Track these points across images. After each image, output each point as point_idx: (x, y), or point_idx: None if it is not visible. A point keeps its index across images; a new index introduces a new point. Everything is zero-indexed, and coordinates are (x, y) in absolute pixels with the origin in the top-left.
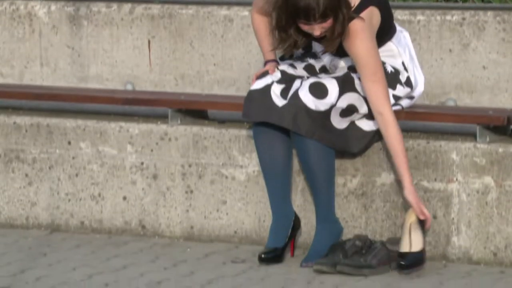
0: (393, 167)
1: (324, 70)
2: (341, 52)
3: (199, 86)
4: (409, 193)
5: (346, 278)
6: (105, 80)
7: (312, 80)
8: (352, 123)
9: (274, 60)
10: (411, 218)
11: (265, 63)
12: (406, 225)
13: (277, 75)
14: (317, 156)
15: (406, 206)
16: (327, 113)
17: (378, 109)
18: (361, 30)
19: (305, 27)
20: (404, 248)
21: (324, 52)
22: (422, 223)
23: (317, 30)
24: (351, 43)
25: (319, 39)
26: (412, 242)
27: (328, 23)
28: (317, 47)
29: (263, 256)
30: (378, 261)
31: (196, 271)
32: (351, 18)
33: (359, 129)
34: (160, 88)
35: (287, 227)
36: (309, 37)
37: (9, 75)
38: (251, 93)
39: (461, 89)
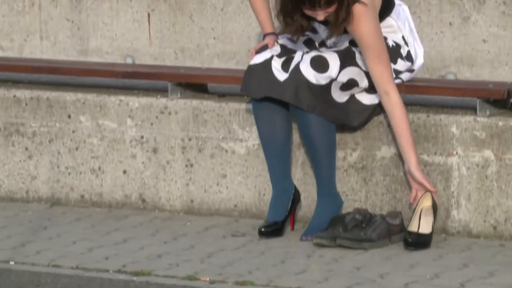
0: (394, 141)
1: (323, 44)
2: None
3: (199, 60)
4: (416, 172)
5: (346, 251)
6: (104, 54)
7: (313, 54)
8: (352, 97)
9: (273, 33)
10: (423, 203)
11: (264, 36)
12: (418, 209)
13: (277, 49)
14: (318, 130)
15: (406, 180)
16: (327, 86)
17: (384, 90)
18: (364, 14)
19: (308, 12)
20: (413, 227)
21: (329, 37)
22: (435, 210)
23: (321, 15)
24: (355, 26)
25: (323, 23)
26: (421, 225)
27: (332, 8)
28: (321, 32)
29: (263, 229)
30: (378, 235)
31: (196, 244)
32: (354, 2)
33: (359, 103)
34: (159, 62)
35: (287, 201)
36: (313, 20)
37: (9, 49)
38: (251, 67)
39: (461, 63)
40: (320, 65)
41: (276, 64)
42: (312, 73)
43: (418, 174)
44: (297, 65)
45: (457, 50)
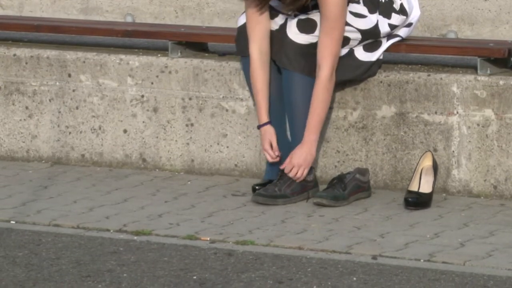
0: (394, 100)
1: (316, 7)
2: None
3: (199, 18)
4: (300, 154)
5: (346, 211)
6: (105, 12)
7: (300, 16)
8: (350, 51)
9: None
10: (424, 163)
11: None
12: (418, 168)
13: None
14: (302, 90)
15: (406, 139)
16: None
17: (319, 61)
18: None
19: None
20: (413, 187)
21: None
22: (435, 169)
23: None
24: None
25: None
26: (421, 184)
27: None
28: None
29: (257, 188)
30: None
31: (196, 204)
32: None
33: (355, 58)
34: (160, 20)
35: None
36: None
37: (9, 7)
38: (240, 29)
39: (462, 21)
40: (307, 26)
41: None
42: (299, 35)
43: (298, 157)
44: (284, 30)
45: (458, 8)
